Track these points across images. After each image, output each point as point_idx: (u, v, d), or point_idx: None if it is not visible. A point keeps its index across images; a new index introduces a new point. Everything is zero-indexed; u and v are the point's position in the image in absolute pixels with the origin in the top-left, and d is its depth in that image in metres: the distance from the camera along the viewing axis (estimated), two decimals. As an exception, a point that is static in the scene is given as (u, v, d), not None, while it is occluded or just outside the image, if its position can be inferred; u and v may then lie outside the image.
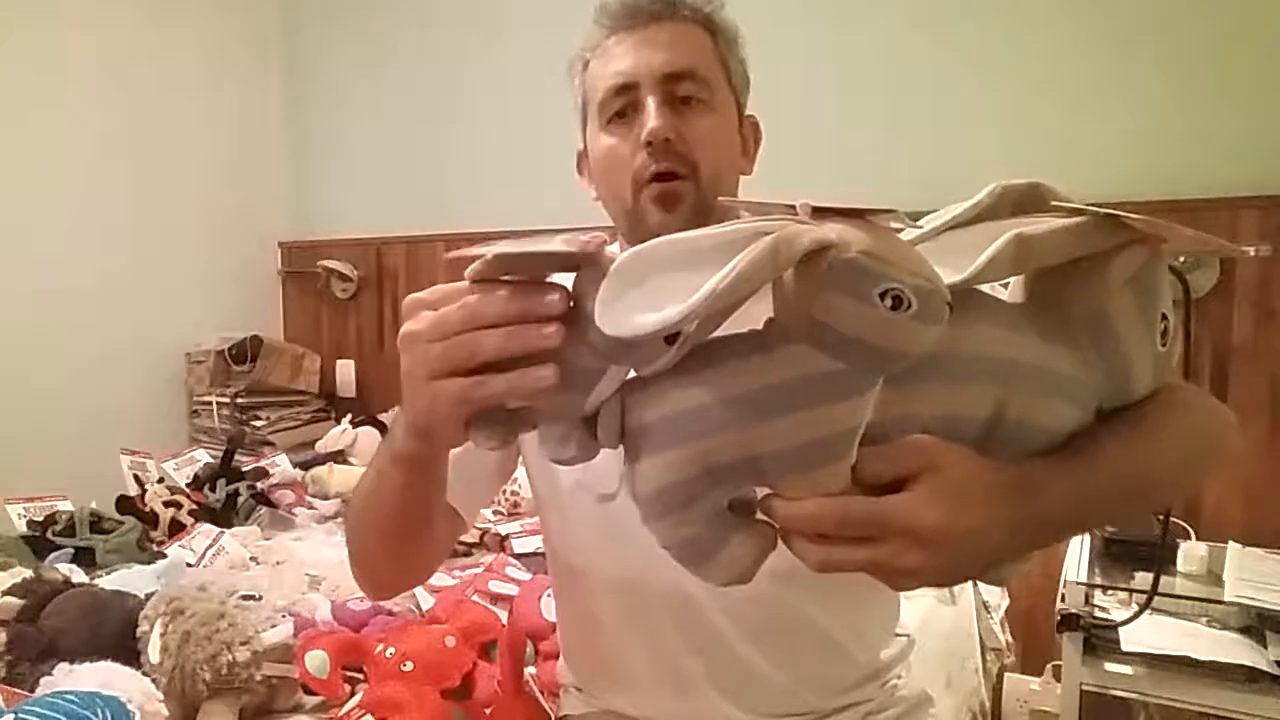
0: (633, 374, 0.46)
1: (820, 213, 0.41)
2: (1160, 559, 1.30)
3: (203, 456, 2.11)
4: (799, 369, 0.41)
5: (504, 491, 1.93)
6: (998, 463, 0.46)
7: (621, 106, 0.77)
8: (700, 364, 0.43)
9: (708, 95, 0.78)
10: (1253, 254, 1.58)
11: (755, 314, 0.44)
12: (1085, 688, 1.29)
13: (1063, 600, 1.36)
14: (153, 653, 1.03)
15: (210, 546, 1.57)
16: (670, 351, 0.42)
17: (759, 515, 0.46)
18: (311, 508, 1.99)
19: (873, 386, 0.41)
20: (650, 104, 0.75)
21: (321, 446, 2.40)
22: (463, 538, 1.67)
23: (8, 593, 1.19)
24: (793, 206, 0.41)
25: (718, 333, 0.45)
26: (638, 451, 0.44)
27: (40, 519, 1.67)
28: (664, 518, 0.44)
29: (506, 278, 0.44)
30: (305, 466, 2.22)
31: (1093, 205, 0.48)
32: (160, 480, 1.97)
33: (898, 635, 0.94)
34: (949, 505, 0.43)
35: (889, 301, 0.38)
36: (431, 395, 0.47)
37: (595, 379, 0.44)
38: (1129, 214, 0.47)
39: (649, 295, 0.38)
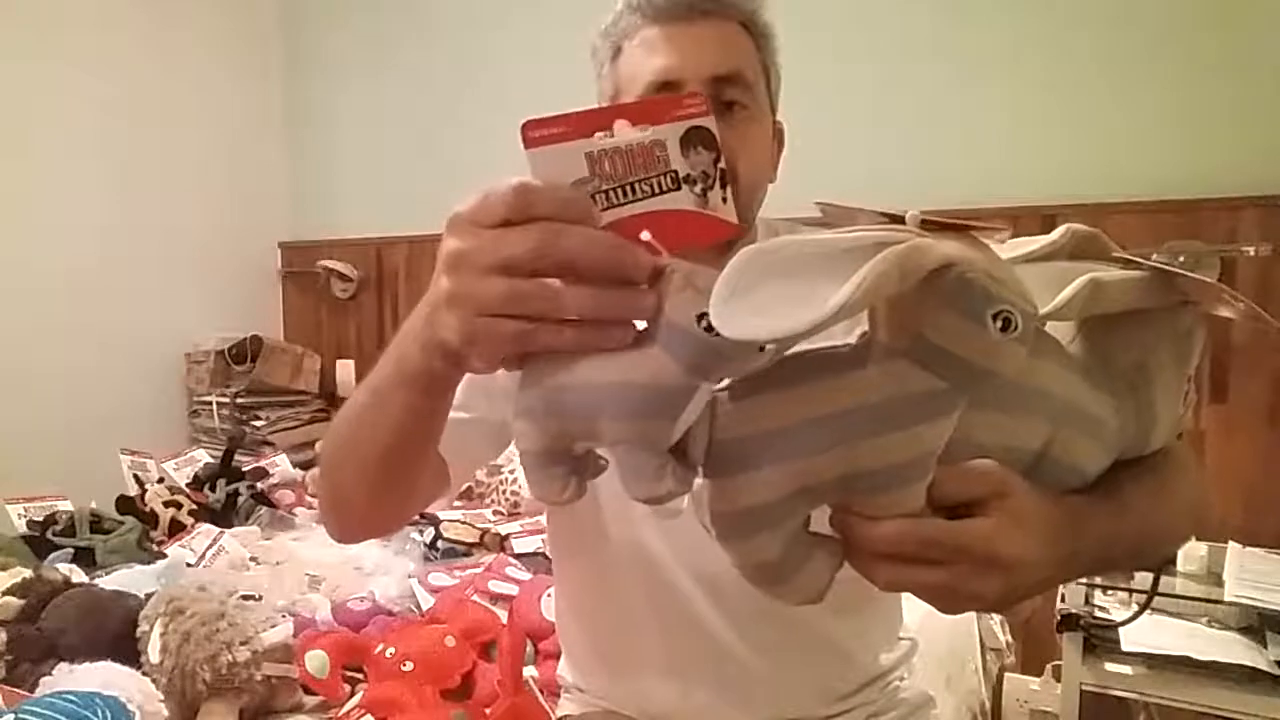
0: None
1: (928, 225, 0.40)
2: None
3: (203, 456, 2.11)
4: (901, 386, 0.40)
5: (504, 491, 1.93)
6: (1052, 496, 0.46)
7: None
8: (795, 378, 0.41)
9: (751, 101, 0.75)
10: (1252, 254, 1.58)
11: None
12: (1085, 688, 1.29)
13: (1062, 600, 1.36)
14: (153, 653, 1.03)
15: (210, 546, 1.57)
16: (763, 357, 0.41)
17: (823, 532, 0.45)
18: (311, 508, 1.99)
19: (961, 405, 0.41)
20: None
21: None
22: (463, 538, 1.67)
23: (8, 593, 1.19)
24: (900, 216, 0.41)
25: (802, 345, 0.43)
26: (726, 469, 0.42)
27: (40, 519, 1.67)
28: (750, 538, 0.43)
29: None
30: (305, 466, 2.22)
31: (1150, 260, 0.49)
32: (160, 480, 1.98)
33: (901, 639, 0.94)
34: (1023, 535, 0.43)
35: (999, 323, 0.38)
36: (476, 330, 0.42)
37: (683, 400, 0.40)
38: (1184, 271, 0.48)
39: (768, 299, 0.36)
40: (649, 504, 0.42)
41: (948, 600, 0.45)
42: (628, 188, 0.42)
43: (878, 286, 0.35)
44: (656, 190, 0.42)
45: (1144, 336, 0.50)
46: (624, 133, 0.42)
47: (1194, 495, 0.59)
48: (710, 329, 0.39)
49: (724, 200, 0.43)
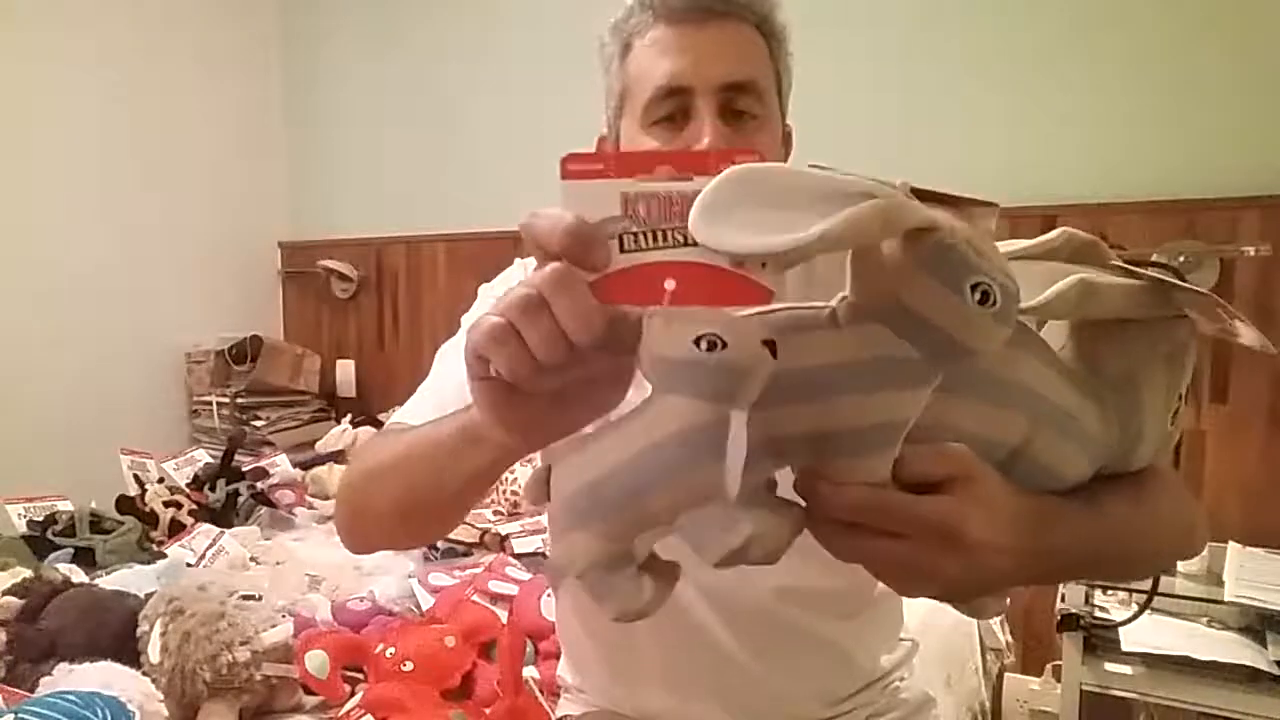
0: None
1: (919, 194, 0.40)
2: (1160, 559, 1.30)
3: (203, 456, 2.11)
4: (874, 349, 0.39)
5: (503, 492, 1.93)
6: (1021, 489, 0.46)
7: (670, 110, 0.72)
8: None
9: (762, 109, 0.74)
10: (1252, 254, 1.59)
11: None
12: (1085, 688, 1.29)
13: (1062, 600, 1.36)
14: (153, 653, 1.03)
15: (210, 546, 1.58)
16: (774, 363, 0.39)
17: (784, 496, 0.44)
18: (311, 508, 1.99)
19: (935, 379, 0.40)
20: (706, 118, 0.71)
21: (321, 446, 2.41)
22: (463, 538, 1.67)
23: (8, 593, 1.19)
24: (890, 184, 0.40)
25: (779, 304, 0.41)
26: None
27: (40, 519, 1.67)
28: None
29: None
30: (305, 466, 2.22)
31: (1149, 270, 0.49)
32: (160, 480, 1.98)
33: (901, 640, 0.94)
34: (987, 517, 0.43)
35: (978, 295, 0.38)
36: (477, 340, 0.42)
37: (719, 435, 0.38)
38: (1183, 283, 0.48)
39: (751, 220, 0.36)
40: (729, 563, 0.38)
41: (905, 576, 0.44)
42: (659, 234, 0.40)
43: (861, 227, 0.35)
44: (690, 241, 0.39)
45: (1136, 347, 0.50)
46: (667, 179, 0.40)
47: (1181, 515, 0.59)
48: (712, 346, 0.37)
49: (763, 265, 0.40)
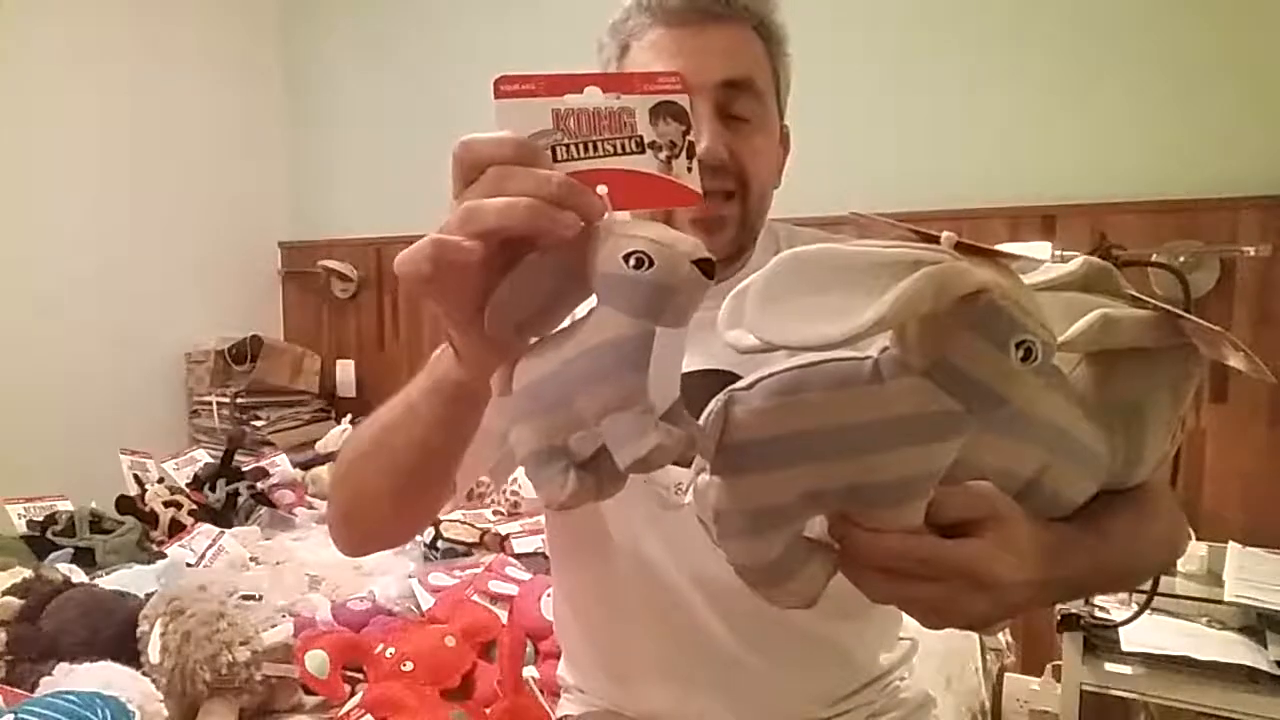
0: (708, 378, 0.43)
1: (963, 248, 0.41)
2: (1160, 559, 1.30)
3: (203, 456, 2.11)
4: (918, 404, 0.40)
5: (504, 491, 1.93)
6: (1041, 523, 0.47)
7: None
8: (816, 386, 0.41)
9: (760, 109, 0.74)
10: (1252, 254, 1.59)
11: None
12: (1085, 688, 1.29)
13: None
14: (153, 653, 1.03)
15: (210, 546, 1.58)
16: (708, 287, 0.41)
17: (821, 540, 0.46)
18: (311, 508, 1.99)
19: (972, 429, 0.41)
20: (703, 117, 0.71)
21: (321, 446, 2.40)
22: (463, 538, 1.67)
23: (8, 593, 1.19)
24: (934, 236, 0.41)
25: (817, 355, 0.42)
26: (740, 468, 0.42)
27: (40, 519, 1.67)
28: (748, 538, 0.43)
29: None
30: (305, 466, 2.22)
31: (1157, 301, 0.50)
32: (160, 480, 1.98)
33: (901, 639, 0.94)
34: (1015, 558, 0.44)
35: (1021, 352, 0.39)
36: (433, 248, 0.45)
37: (641, 348, 0.40)
38: (1193, 317, 0.49)
39: (804, 307, 0.37)
40: (638, 469, 0.39)
41: (935, 616, 0.45)
42: (590, 144, 0.43)
43: (913, 304, 0.36)
44: (620, 151, 0.43)
45: (1144, 375, 0.51)
46: (594, 96, 0.43)
47: (1170, 528, 0.60)
48: (639, 265, 0.39)
49: (688, 170, 0.44)
